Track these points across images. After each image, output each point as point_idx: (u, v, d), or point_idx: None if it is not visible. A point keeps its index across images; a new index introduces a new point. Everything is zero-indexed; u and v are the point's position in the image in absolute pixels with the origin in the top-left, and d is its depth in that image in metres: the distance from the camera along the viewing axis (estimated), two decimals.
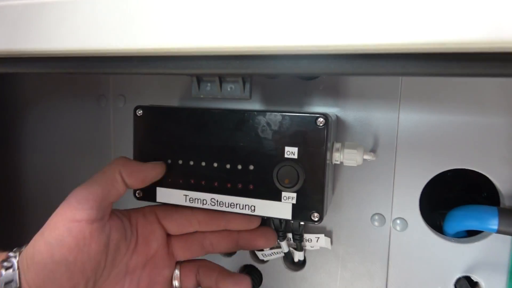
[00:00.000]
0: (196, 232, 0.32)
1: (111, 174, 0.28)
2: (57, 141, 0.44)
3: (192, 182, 0.31)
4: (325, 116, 0.27)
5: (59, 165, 0.44)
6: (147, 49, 0.19)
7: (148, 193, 0.32)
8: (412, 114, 0.31)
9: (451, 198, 0.38)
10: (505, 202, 0.30)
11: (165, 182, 0.31)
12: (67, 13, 0.20)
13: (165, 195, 0.31)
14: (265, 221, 0.33)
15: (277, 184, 0.28)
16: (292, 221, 0.31)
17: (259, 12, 0.17)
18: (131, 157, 0.32)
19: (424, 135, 0.31)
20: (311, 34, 0.17)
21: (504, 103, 0.29)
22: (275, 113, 0.28)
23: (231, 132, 0.29)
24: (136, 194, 0.32)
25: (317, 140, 0.27)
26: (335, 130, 0.32)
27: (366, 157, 0.30)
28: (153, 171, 0.30)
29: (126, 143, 0.40)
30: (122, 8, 0.19)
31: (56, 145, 0.44)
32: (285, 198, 0.29)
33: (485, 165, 0.30)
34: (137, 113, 0.32)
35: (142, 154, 0.32)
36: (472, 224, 0.30)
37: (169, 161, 0.31)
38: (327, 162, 0.28)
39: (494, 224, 0.28)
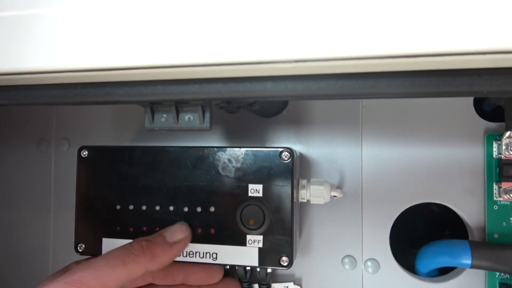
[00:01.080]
0: (150, 285, 0.28)
1: (133, 271, 0.23)
2: None
3: (144, 229, 0.27)
4: (290, 150, 0.26)
5: None
6: (92, 68, 0.17)
7: (92, 246, 0.28)
8: (374, 148, 0.31)
9: (418, 237, 0.37)
10: (474, 234, 0.29)
11: (112, 231, 0.27)
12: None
13: (112, 247, 0.27)
14: (228, 271, 0.29)
15: (241, 226, 0.26)
16: (259, 268, 0.28)
17: (223, 25, 0.16)
18: (73, 204, 0.28)
19: (388, 169, 0.31)
20: (277, 48, 0.15)
21: (464, 135, 0.29)
22: (237, 149, 0.26)
23: (189, 171, 0.27)
24: (78, 248, 0.28)
25: (282, 175, 0.26)
26: (300, 167, 0.30)
27: (333, 193, 0.29)
28: (181, 246, 0.25)
29: (68, 192, 0.35)
30: (64, 22, 0.17)
31: None
32: (250, 242, 0.26)
33: (450, 198, 0.30)
34: (82, 154, 0.28)
35: (86, 201, 0.28)
36: (444, 261, 0.29)
37: (118, 206, 0.28)
38: (294, 200, 0.26)
39: (467, 258, 0.27)
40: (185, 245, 0.26)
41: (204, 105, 0.21)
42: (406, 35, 0.14)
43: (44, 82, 0.19)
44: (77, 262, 0.26)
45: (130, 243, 0.24)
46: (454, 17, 0.14)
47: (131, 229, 0.27)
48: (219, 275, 0.28)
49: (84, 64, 0.17)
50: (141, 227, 0.27)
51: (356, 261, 0.31)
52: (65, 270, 0.25)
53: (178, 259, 0.26)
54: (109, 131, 0.36)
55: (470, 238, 0.30)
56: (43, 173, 0.36)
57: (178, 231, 0.25)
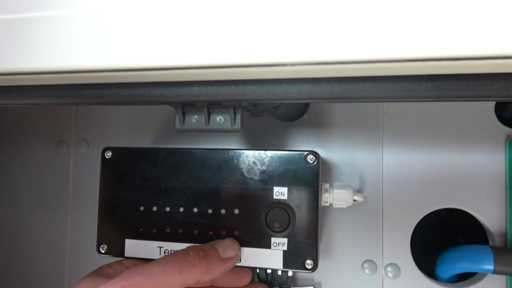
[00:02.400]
0: None
1: (188, 280, 0.22)
2: (10, 195, 0.38)
3: (167, 231, 0.27)
4: (316, 153, 0.26)
5: (12, 221, 0.38)
6: (129, 69, 0.17)
7: (115, 246, 0.28)
8: (395, 153, 0.31)
9: (438, 243, 0.37)
10: (495, 240, 0.29)
11: (136, 232, 0.27)
12: (36, 29, 0.18)
13: (135, 248, 0.27)
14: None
15: (266, 229, 0.26)
16: (282, 271, 0.28)
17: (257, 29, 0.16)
18: (92, 207, 0.28)
19: (409, 174, 0.31)
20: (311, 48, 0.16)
21: (486, 139, 0.29)
22: (263, 151, 0.26)
23: (213, 173, 0.27)
24: (100, 249, 0.28)
25: (308, 178, 0.26)
26: (322, 170, 0.30)
27: (355, 198, 0.29)
28: (232, 262, 0.25)
29: (87, 193, 0.36)
30: (100, 22, 0.17)
31: (9, 199, 0.38)
32: (275, 244, 0.26)
33: (471, 204, 0.30)
34: (106, 156, 0.29)
35: (110, 202, 0.28)
36: (466, 266, 0.29)
37: (142, 208, 0.28)
38: (318, 203, 0.26)
39: (490, 264, 0.27)
40: (234, 263, 0.25)
41: (236, 106, 0.21)
42: (427, 38, 0.14)
43: (82, 82, 0.19)
44: (109, 265, 0.25)
45: (186, 250, 0.23)
46: (474, 22, 0.14)
47: (154, 230, 0.27)
48: (247, 277, 0.28)
49: (119, 63, 0.17)
50: (165, 229, 0.27)
51: (376, 266, 0.31)
52: (97, 273, 0.24)
53: None
54: (128, 132, 0.36)
55: (491, 244, 0.30)
56: (62, 174, 0.37)
57: (231, 248, 0.25)
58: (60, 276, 0.36)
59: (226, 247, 0.25)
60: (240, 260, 0.26)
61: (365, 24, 0.15)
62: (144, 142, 0.35)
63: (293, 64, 0.16)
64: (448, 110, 0.30)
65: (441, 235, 0.39)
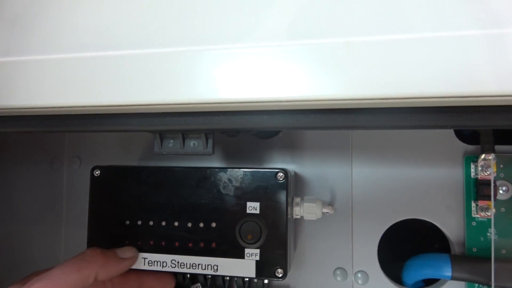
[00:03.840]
0: None
1: (86, 276, 0.25)
2: (6, 209, 0.41)
3: (151, 243, 0.30)
4: (285, 170, 0.28)
5: (7, 233, 0.40)
6: (111, 106, 0.20)
7: None
8: (363, 168, 0.33)
9: (409, 250, 0.39)
10: (455, 248, 0.32)
11: (122, 244, 0.30)
12: (31, 71, 0.21)
13: None
14: (227, 283, 0.32)
15: (240, 241, 0.28)
16: (256, 279, 0.30)
17: (222, 70, 0.18)
18: (85, 219, 0.30)
19: (376, 188, 0.33)
20: (272, 90, 0.18)
21: (445, 155, 0.32)
22: (236, 169, 0.29)
23: (193, 190, 0.29)
24: None
25: (278, 194, 0.28)
26: (294, 185, 0.33)
27: (325, 210, 0.31)
28: (129, 262, 0.29)
29: (79, 207, 0.38)
30: (88, 66, 0.20)
31: (5, 213, 0.41)
32: (248, 255, 0.28)
33: (434, 215, 0.32)
34: (95, 174, 0.31)
35: (98, 217, 0.31)
36: (427, 273, 0.31)
37: (127, 222, 0.30)
38: (288, 216, 0.29)
39: (448, 271, 0.30)
40: (133, 263, 0.29)
41: (207, 133, 0.24)
42: (381, 83, 0.17)
43: (70, 113, 0.22)
44: (36, 273, 0.27)
45: (84, 251, 0.27)
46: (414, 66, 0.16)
47: (139, 242, 0.30)
48: (170, 284, 0.30)
49: (102, 101, 0.20)
50: (149, 241, 0.29)
51: (347, 272, 0.33)
52: (24, 282, 0.25)
53: (182, 271, 0.29)
54: (118, 149, 0.38)
55: (452, 252, 0.32)
56: (56, 189, 0.39)
57: (128, 250, 0.29)
58: None
59: (124, 250, 0.29)
60: (217, 270, 0.28)
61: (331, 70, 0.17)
62: (133, 158, 0.38)
63: (250, 102, 0.19)
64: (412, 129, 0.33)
65: (415, 242, 0.42)
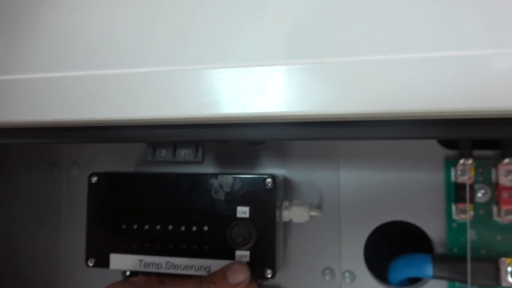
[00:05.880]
0: None
1: None
2: (7, 213, 0.42)
3: (146, 246, 0.31)
4: (273, 176, 0.30)
5: (8, 237, 0.42)
6: (107, 120, 0.21)
7: (101, 260, 0.32)
8: (350, 173, 0.35)
9: (397, 250, 0.41)
10: (437, 249, 0.33)
11: (119, 247, 0.31)
12: (29, 87, 0.22)
13: (119, 261, 0.31)
14: None
15: (231, 243, 0.30)
16: None
17: (209, 88, 0.20)
18: (85, 224, 0.32)
19: (363, 191, 0.35)
20: (257, 105, 0.20)
21: (428, 161, 0.33)
22: (227, 176, 0.30)
23: (185, 195, 0.31)
24: (88, 262, 0.32)
25: (266, 199, 0.30)
26: (283, 189, 0.34)
27: (312, 213, 0.33)
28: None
29: (78, 212, 0.40)
30: (85, 84, 0.21)
31: (5, 217, 0.42)
32: (238, 256, 0.30)
33: (416, 217, 0.34)
34: (92, 180, 0.32)
35: (96, 221, 0.32)
36: (411, 272, 0.33)
37: (124, 226, 0.32)
38: (277, 220, 0.30)
39: (429, 270, 0.31)
40: (245, 286, 0.28)
41: (197, 143, 0.25)
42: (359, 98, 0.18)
43: (67, 126, 0.23)
44: (137, 277, 0.30)
45: (200, 281, 0.27)
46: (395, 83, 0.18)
47: (135, 245, 0.31)
48: None
49: (98, 116, 0.21)
50: (144, 244, 0.31)
51: (335, 272, 0.35)
52: (127, 281, 0.29)
53: (175, 272, 0.30)
54: (115, 156, 0.40)
55: (434, 252, 0.34)
56: (56, 194, 0.40)
57: (240, 272, 0.28)
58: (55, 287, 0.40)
59: (235, 272, 0.28)
60: (209, 271, 0.30)
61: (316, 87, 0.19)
62: (129, 164, 0.39)
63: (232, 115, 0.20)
64: None
65: (406, 242, 0.43)
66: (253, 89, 0.19)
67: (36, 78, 0.22)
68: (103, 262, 0.32)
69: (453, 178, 0.32)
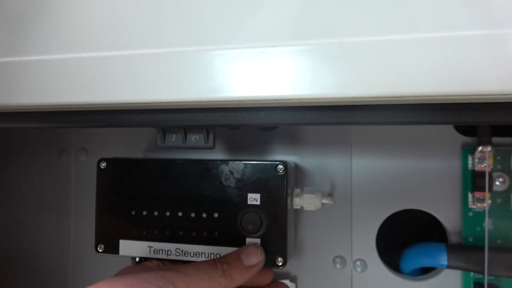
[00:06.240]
0: None
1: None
2: (15, 199, 0.42)
3: (156, 232, 0.31)
4: (285, 163, 0.29)
5: (17, 223, 0.42)
6: (116, 104, 0.21)
7: (110, 246, 0.31)
8: (363, 159, 0.34)
9: (409, 239, 0.40)
10: (452, 238, 0.33)
11: (128, 234, 0.31)
12: (37, 69, 0.21)
13: (128, 247, 0.31)
14: None
15: (241, 230, 0.29)
16: None
17: (222, 69, 0.19)
18: (93, 210, 0.32)
19: (376, 178, 0.34)
20: (270, 88, 0.19)
21: (443, 149, 0.32)
22: (237, 162, 0.30)
23: (196, 181, 0.30)
24: (98, 248, 0.32)
25: (278, 186, 0.29)
26: (295, 176, 0.34)
27: (324, 201, 0.32)
28: (257, 270, 0.28)
29: (86, 198, 0.39)
30: (92, 65, 0.21)
31: (15, 203, 0.42)
32: (249, 244, 0.29)
33: (431, 205, 0.33)
34: (101, 166, 0.32)
35: (105, 207, 0.32)
36: (424, 261, 0.32)
37: (133, 212, 0.31)
38: (288, 207, 0.29)
39: (443, 260, 0.31)
40: (259, 269, 0.28)
41: (208, 128, 0.25)
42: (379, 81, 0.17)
43: (75, 109, 0.23)
44: (150, 261, 0.30)
45: (214, 262, 0.27)
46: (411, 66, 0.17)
47: (144, 232, 0.31)
48: (268, 277, 0.31)
49: (107, 99, 0.21)
50: (154, 231, 0.31)
51: (346, 261, 0.34)
52: (140, 265, 0.30)
53: (185, 259, 0.30)
54: (124, 142, 0.39)
55: (448, 241, 0.33)
56: (64, 180, 0.40)
57: (254, 255, 0.28)
58: (64, 273, 0.40)
59: (250, 254, 0.28)
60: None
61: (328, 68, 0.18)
62: (138, 150, 0.39)
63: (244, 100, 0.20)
64: None
65: (416, 231, 0.43)
66: (268, 70, 0.19)
67: (42, 60, 0.21)
68: (112, 248, 0.31)
69: (470, 166, 0.31)
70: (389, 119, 0.20)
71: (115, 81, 0.20)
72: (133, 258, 0.32)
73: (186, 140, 0.25)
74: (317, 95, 0.18)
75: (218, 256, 0.30)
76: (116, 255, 0.31)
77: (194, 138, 0.25)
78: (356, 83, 0.18)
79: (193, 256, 0.30)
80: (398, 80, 0.17)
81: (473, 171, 0.31)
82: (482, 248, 0.30)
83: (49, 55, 0.21)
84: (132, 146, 0.39)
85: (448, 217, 0.33)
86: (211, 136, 0.25)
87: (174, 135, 0.25)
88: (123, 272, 0.27)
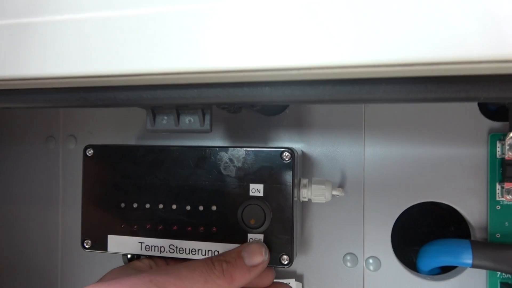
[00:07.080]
0: None
1: None
2: (1, 189, 0.39)
3: (148, 227, 0.28)
4: (291, 150, 0.26)
5: (3, 215, 0.39)
6: (94, 76, 0.18)
7: (98, 242, 0.28)
8: (377, 147, 0.31)
9: (422, 234, 0.37)
10: (476, 234, 0.29)
11: (117, 228, 0.28)
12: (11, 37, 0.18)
13: (117, 243, 0.28)
14: None
15: (242, 225, 0.26)
16: None
17: (216, 33, 0.16)
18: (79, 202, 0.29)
19: (391, 168, 0.31)
20: (276, 55, 0.15)
21: (467, 134, 0.29)
22: (238, 149, 0.27)
23: (191, 171, 0.27)
24: (85, 244, 0.29)
25: (283, 175, 0.26)
26: (301, 166, 0.31)
27: (335, 192, 0.29)
28: (260, 270, 0.25)
29: (76, 187, 0.36)
30: (67, 31, 0.17)
31: (1, 193, 0.39)
32: (251, 240, 0.26)
33: (453, 198, 0.30)
34: (87, 153, 0.29)
35: (92, 199, 0.29)
36: (445, 260, 0.29)
37: (123, 204, 0.28)
38: (295, 199, 0.26)
39: (468, 258, 0.27)
40: (263, 269, 0.25)
41: (204, 108, 0.22)
42: (403, 44, 0.14)
43: (49, 86, 0.20)
44: (141, 260, 0.27)
45: (211, 261, 0.24)
46: (449, 27, 0.14)
47: (135, 226, 0.28)
48: (270, 277, 0.28)
49: (85, 70, 0.18)
50: (145, 225, 0.28)
51: (357, 258, 0.31)
52: (129, 265, 0.26)
53: (180, 256, 0.27)
54: (114, 127, 0.36)
55: (472, 238, 0.30)
56: (52, 169, 0.37)
57: (258, 254, 0.25)
58: (52, 269, 0.38)
59: (253, 253, 0.25)
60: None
61: (341, 32, 0.15)
62: (130, 136, 0.36)
63: (249, 70, 0.16)
64: (430, 104, 0.30)
65: (428, 225, 0.39)
66: (272, 34, 0.15)
67: (8, 25, 0.18)
68: (100, 244, 0.28)
69: (499, 154, 0.28)
70: (414, 95, 0.17)
71: (90, 49, 0.17)
72: (124, 255, 0.29)
73: (179, 122, 0.22)
74: (332, 63, 0.15)
75: (216, 253, 0.27)
76: (105, 251, 0.28)
77: (188, 120, 0.22)
78: (373, 47, 0.14)
79: (189, 253, 0.27)
80: (422, 43, 0.14)
81: (502, 160, 0.28)
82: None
83: (14, 19, 0.18)
84: (124, 132, 0.36)
85: (472, 210, 0.29)
86: (207, 117, 0.22)
87: (165, 117, 0.22)
88: (108, 276, 0.24)
